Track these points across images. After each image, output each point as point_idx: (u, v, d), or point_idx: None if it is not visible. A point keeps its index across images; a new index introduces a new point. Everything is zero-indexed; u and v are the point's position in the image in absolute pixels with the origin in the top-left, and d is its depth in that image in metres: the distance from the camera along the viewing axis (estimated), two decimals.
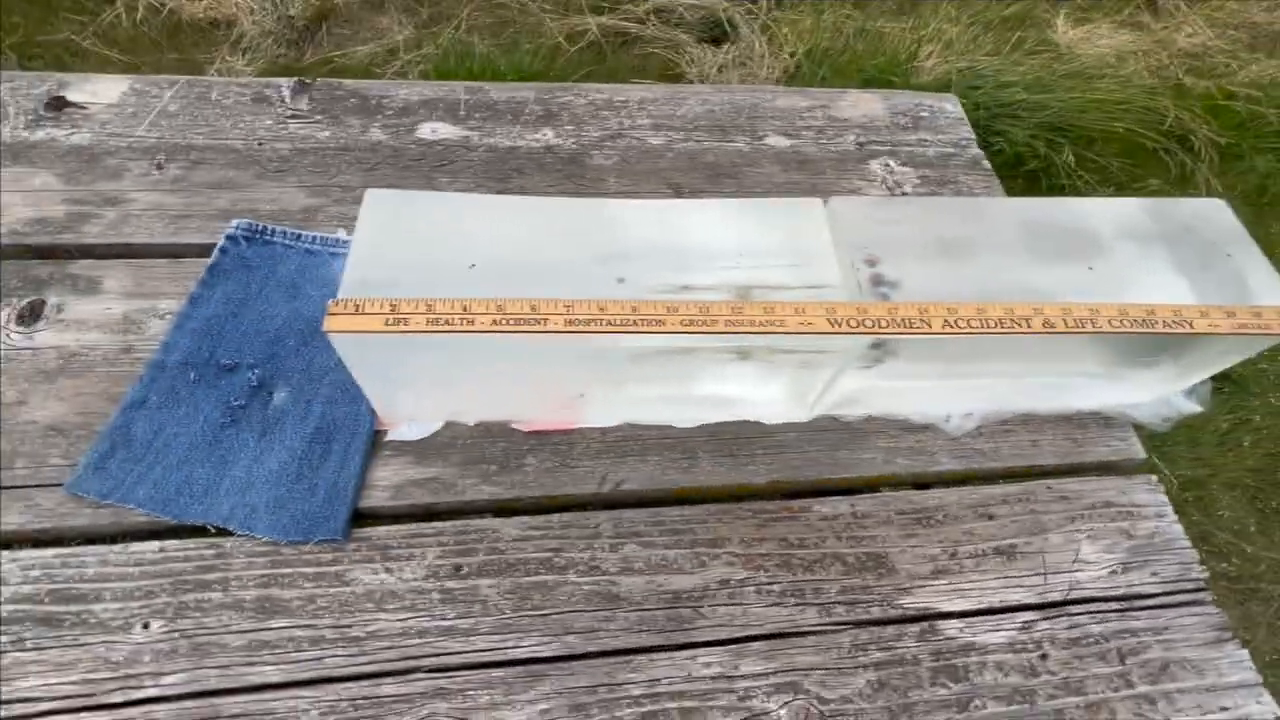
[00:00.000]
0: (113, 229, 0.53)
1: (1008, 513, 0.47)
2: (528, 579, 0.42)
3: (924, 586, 0.44)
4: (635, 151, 0.63)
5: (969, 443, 0.49)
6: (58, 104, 0.59)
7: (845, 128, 0.68)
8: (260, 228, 0.53)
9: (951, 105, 0.71)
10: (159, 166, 0.56)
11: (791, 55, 1.48)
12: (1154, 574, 0.45)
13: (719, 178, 0.62)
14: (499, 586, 0.41)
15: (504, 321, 0.36)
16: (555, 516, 0.44)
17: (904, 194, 0.63)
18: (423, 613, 0.40)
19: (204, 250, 0.52)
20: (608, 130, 0.65)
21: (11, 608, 0.38)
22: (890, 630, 0.42)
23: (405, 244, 0.41)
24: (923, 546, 0.45)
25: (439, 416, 0.47)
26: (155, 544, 0.41)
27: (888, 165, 0.65)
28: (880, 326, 0.39)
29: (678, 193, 0.61)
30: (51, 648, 0.37)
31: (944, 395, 0.49)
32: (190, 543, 0.41)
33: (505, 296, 0.38)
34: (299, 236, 0.53)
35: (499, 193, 0.59)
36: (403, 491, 0.44)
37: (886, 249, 0.44)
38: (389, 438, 0.45)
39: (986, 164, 0.67)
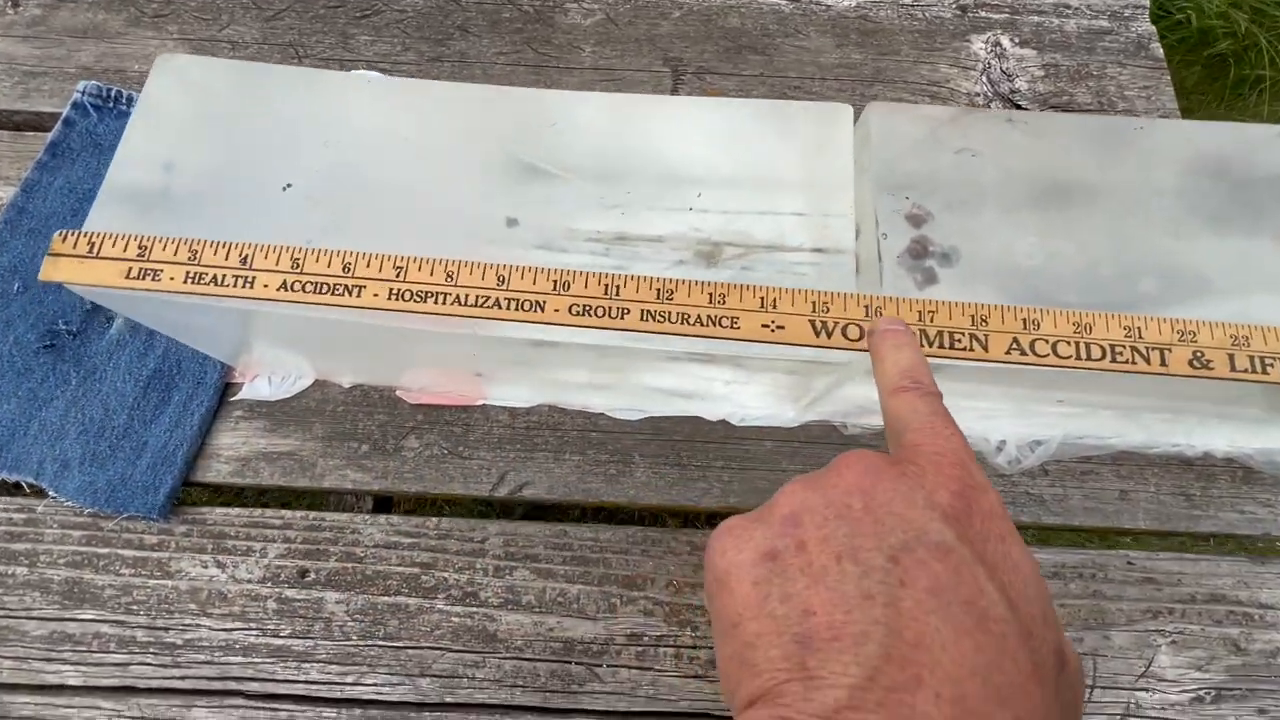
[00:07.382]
0: None
1: (1060, 591, 0.33)
2: (385, 599, 0.33)
3: None
4: (627, 8, 0.45)
5: (1025, 484, 0.35)
6: None
7: None
8: (113, 93, 0.41)
9: None
10: (14, 3, 0.44)
11: None
12: (1262, 711, 0.31)
13: (740, 52, 0.44)
14: (349, 603, 0.33)
15: (299, 287, 0.24)
16: (432, 522, 0.34)
17: (1012, 90, 0.43)
18: (252, 625, 0.32)
19: (53, 121, 0.42)
20: None
21: None
22: None
23: (203, 141, 0.28)
24: None
25: (307, 372, 0.36)
26: None
27: (998, 46, 0.44)
28: None
29: (674, 75, 0.43)
30: None
31: (1002, 414, 0.34)
32: None
33: (326, 243, 0.25)
34: None
35: (430, 60, 0.44)
36: (250, 466, 0.35)
37: (942, 195, 0.27)
38: (241, 395, 0.36)
39: (1157, 49, 0.45)
